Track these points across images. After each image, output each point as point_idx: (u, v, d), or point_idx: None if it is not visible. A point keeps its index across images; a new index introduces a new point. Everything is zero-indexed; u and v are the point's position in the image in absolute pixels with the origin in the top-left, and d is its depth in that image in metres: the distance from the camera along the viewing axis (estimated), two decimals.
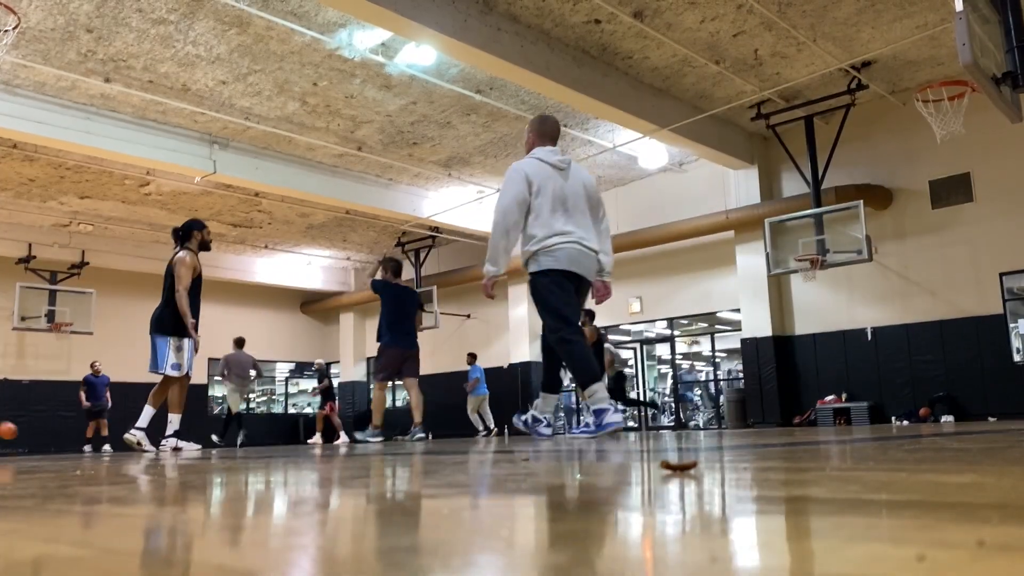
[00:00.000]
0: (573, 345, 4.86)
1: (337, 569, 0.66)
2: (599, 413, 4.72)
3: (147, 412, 7.16)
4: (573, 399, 18.55)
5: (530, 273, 4.94)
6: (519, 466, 2.26)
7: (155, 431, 7.24)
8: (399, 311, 8.65)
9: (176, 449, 7.15)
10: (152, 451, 7.13)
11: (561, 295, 4.85)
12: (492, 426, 16.74)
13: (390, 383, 8.85)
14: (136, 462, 4.27)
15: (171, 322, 7.07)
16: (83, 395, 16.03)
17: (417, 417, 8.69)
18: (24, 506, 1.45)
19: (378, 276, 8.98)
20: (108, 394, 16.24)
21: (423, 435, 8.71)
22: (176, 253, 7.23)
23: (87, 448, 15.57)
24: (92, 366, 16.31)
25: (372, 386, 8.84)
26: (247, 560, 0.75)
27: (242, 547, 0.84)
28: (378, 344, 8.78)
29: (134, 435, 7.14)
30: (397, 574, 0.60)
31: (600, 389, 4.80)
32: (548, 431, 5.27)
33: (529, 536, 0.88)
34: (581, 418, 16.70)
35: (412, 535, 0.85)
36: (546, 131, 5.19)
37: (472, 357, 17.12)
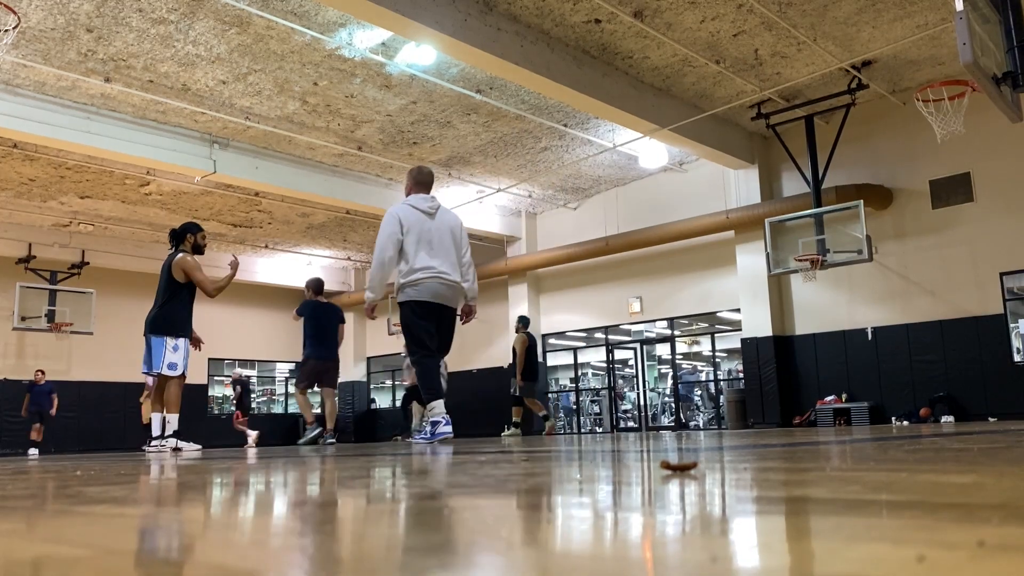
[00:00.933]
0: (423, 366, 5.76)
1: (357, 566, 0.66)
2: (434, 424, 5.63)
3: (156, 420, 7.19)
4: (572, 399, 18.59)
5: (399, 303, 5.76)
6: (519, 466, 2.26)
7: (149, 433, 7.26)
8: (317, 326, 9.68)
9: (176, 449, 7.16)
10: (196, 448, 7.21)
11: (420, 324, 5.70)
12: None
13: (317, 388, 9.88)
14: (126, 465, 4.26)
15: (166, 322, 7.14)
16: (25, 403, 15.87)
17: (329, 424, 9.65)
18: (24, 506, 1.45)
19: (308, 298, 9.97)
20: (55, 400, 16.10)
21: (333, 440, 9.62)
22: (173, 255, 7.36)
23: (32, 451, 15.47)
24: (35, 374, 16.28)
25: (295, 392, 10.14)
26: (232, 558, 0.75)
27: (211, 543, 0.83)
28: (302, 356, 9.85)
29: (154, 447, 7.16)
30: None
31: (438, 405, 5.64)
32: (448, 429, 5.82)
33: (521, 535, 0.88)
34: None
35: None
36: (421, 180, 6.09)
37: None
